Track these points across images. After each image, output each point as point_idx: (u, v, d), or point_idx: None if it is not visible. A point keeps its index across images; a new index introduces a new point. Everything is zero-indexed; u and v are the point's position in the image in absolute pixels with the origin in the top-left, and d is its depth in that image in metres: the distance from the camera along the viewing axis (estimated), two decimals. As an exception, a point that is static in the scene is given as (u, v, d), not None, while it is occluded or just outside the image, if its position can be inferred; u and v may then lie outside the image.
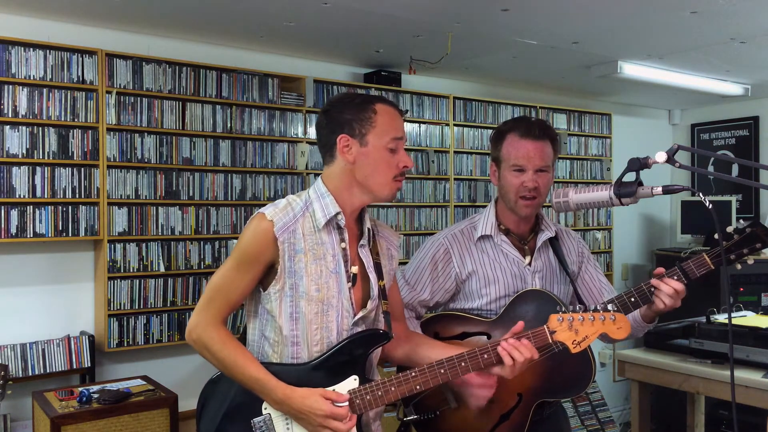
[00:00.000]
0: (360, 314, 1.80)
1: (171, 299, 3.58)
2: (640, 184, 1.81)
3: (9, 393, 2.97)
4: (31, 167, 3.23)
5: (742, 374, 2.94)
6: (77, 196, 3.33)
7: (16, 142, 3.19)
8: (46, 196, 3.25)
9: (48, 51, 3.27)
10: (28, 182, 3.22)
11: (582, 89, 5.37)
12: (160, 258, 3.55)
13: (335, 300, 1.76)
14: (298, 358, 1.76)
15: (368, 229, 1.86)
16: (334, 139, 1.77)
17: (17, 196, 3.19)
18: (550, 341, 1.73)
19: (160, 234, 3.55)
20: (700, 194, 1.71)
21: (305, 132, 4.02)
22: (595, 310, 1.70)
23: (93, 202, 3.37)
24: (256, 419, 1.74)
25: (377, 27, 3.61)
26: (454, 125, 4.67)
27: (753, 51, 4.15)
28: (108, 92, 3.40)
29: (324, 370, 1.74)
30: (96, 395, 2.99)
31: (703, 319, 3.35)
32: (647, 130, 6.12)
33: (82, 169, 3.35)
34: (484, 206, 4.81)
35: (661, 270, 1.90)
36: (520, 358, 1.72)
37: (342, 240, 1.79)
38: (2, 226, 3.16)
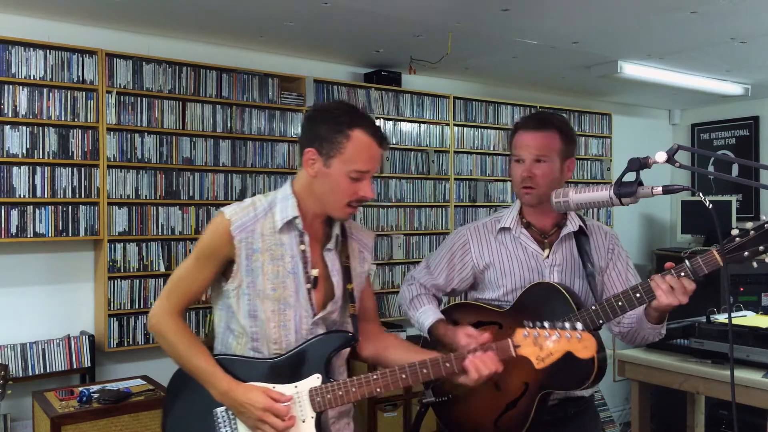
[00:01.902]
0: (320, 314, 1.82)
1: (171, 299, 3.57)
2: (640, 184, 1.80)
3: (9, 393, 2.96)
4: (31, 167, 3.23)
5: (742, 374, 2.94)
6: (77, 196, 3.33)
7: (16, 142, 3.19)
8: (46, 196, 3.25)
9: (48, 51, 3.26)
10: (28, 182, 3.22)
11: (582, 89, 5.37)
12: (160, 258, 3.55)
13: (292, 299, 1.79)
14: (259, 353, 1.81)
15: (336, 235, 1.87)
16: (303, 148, 1.79)
17: (17, 196, 3.19)
18: (513, 355, 1.73)
19: (160, 234, 3.55)
20: (700, 194, 1.71)
21: (305, 132, 4.01)
22: (563, 328, 1.69)
23: (93, 202, 3.37)
24: (218, 409, 1.78)
25: (377, 27, 3.61)
26: (454, 125, 4.67)
27: (753, 51, 4.14)
28: (108, 92, 3.40)
29: (288, 367, 1.78)
30: (96, 395, 2.99)
31: (703, 319, 3.35)
32: (647, 130, 6.12)
33: (82, 169, 3.35)
34: (484, 206, 4.85)
35: (670, 264, 1.87)
36: (484, 371, 1.74)
37: (301, 242, 1.81)
38: (2, 226, 3.15)
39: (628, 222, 5.92)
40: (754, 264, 1.78)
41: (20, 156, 3.19)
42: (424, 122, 4.53)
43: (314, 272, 1.82)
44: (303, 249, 1.81)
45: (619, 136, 5.65)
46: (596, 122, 5.51)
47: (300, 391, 1.76)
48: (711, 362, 3.12)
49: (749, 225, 1.77)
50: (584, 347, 1.67)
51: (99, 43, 3.43)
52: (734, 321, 3.36)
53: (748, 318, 3.51)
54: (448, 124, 4.64)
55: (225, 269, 1.81)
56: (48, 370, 3.29)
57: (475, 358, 1.75)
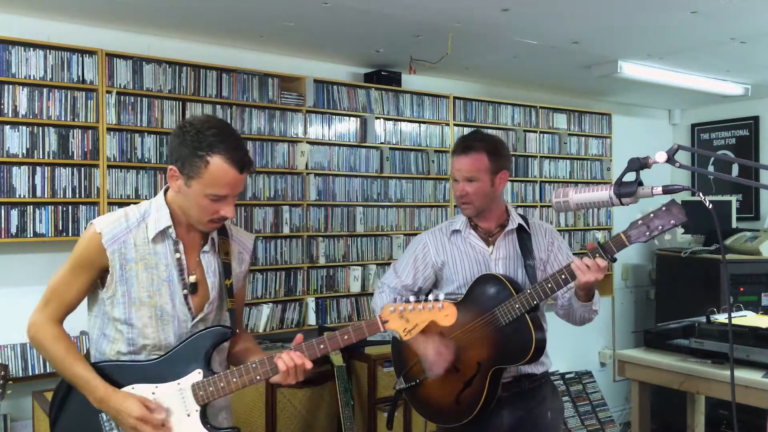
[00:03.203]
0: (198, 317, 1.89)
1: (171, 299, 3.58)
2: (640, 184, 1.81)
3: (9, 393, 2.97)
4: (31, 167, 3.23)
5: (742, 374, 2.94)
6: (77, 196, 3.33)
7: (16, 142, 3.19)
8: (46, 196, 3.25)
9: (48, 51, 3.26)
10: (28, 182, 3.22)
11: (582, 89, 5.37)
12: (160, 258, 3.55)
13: (169, 306, 1.86)
14: (137, 356, 1.86)
15: (211, 238, 1.93)
16: (169, 163, 1.84)
17: (17, 196, 3.19)
18: (382, 329, 1.86)
19: (160, 234, 3.54)
20: (700, 194, 1.72)
21: (305, 132, 4.02)
22: (426, 300, 1.86)
23: (93, 202, 3.37)
24: (104, 413, 1.82)
25: (377, 27, 3.61)
26: (454, 125, 4.67)
27: (753, 51, 4.15)
28: (108, 92, 3.40)
29: (169, 366, 1.84)
30: (96, 395, 2.98)
31: (703, 319, 3.35)
32: (647, 130, 6.12)
33: (82, 169, 3.35)
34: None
35: (591, 245, 2.08)
36: (290, 363, 1.83)
37: (176, 251, 1.87)
38: (2, 226, 3.16)
39: (628, 222, 5.89)
40: (656, 242, 2.06)
41: (20, 156, 3.19)
42: (424, 122, 4.53)
43: (191, 278, 1.88)
44: (178, 257, 1.87)
45: (619, 136, 5.65)
46: (596, 122, 5.51)
47: (183, 387, 1.83)
48: (711, 362, 3.12)
49: (651, 209, 2.04)
50: (445, 315, 1.83)
51: (99, 43, 3.43)
52: (734, 321, 3.36)
53: (748, 318, 3.51)
54: (448, 124, 4.64)
55: (101, 277, 1.86)
56: (48, 370, 3.29)
57: (282, 354, 1.85)
